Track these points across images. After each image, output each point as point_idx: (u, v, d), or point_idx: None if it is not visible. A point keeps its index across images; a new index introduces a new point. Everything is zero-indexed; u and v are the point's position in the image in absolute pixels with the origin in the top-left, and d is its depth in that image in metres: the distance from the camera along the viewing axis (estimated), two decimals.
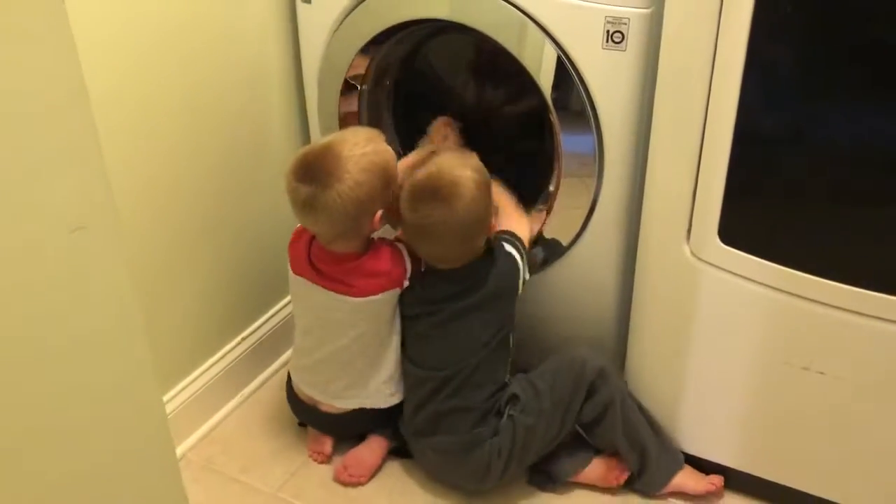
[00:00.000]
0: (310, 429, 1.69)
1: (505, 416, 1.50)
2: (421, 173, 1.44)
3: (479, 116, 1.79)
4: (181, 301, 1.64)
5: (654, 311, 1.51)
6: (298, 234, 1.54)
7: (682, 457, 1.56)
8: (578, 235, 1.57)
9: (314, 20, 1.63)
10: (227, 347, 1.77)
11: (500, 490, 1.57)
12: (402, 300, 1.52)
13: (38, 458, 0.89)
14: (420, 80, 1.76)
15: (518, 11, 1.42)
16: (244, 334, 1.81)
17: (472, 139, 1.78)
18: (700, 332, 1.46)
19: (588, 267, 1.59)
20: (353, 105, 1.69)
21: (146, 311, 0.98)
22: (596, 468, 1.56)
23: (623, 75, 1.40)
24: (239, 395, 1.81)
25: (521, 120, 1.75)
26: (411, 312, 1.52)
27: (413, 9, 1.52)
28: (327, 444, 1.67)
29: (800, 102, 1.27)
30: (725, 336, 1.44)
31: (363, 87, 1.67)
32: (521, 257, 1.50)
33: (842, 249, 1.30)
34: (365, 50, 1.60)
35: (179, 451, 1.66)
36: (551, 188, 1.58)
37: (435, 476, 1.61)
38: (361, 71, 1.65)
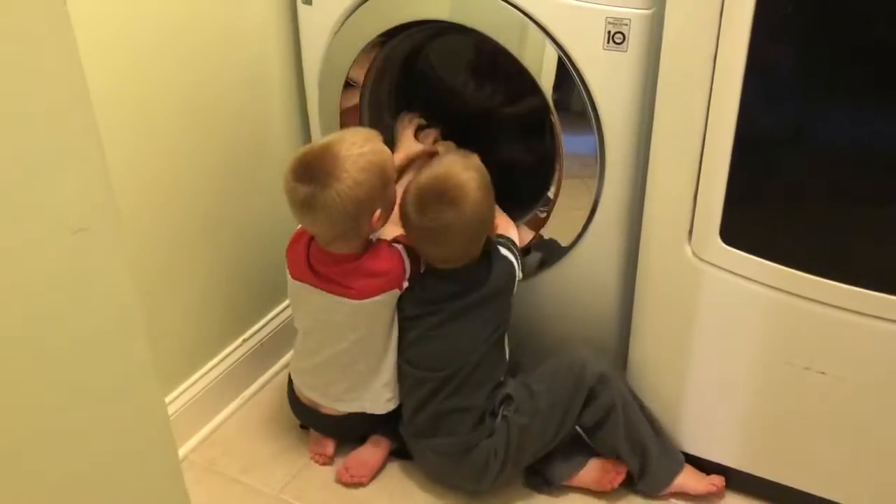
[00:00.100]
0: (311, 431, 1.69)
1: (499, 416, 1.50)
2: (425, 176, 1.46)
3: (479, 117, 1.79)
4: (182, 302, 1.64)
5: (656, 311, 1.51)
6: (296, 237, 1.54)
7: (682, 457, 1.56)
8: (580, 236, 1.57)
9: (315, 21, 1.63)
10: (229, 349, 1.77)
11: (501, 492, 1.57)
12: (402, 302, 1.52)
13: (39, 460, 0.89)
14: (421, 81, 1.76)
15: (519, 12, 1.42)
16: (245, 336, 1.81)
17: (472, 140, 1.78)
18: (702, 332, 1.46)
19: (590, 267, 1.59)
20: (353, 106, 1.69)
21: (147, 313, 0.98)
22: (591, 472, 1.56)
23: (624, 76, 1.40)
24: (240, 397, 1.81)
25: (521, 121, 1.75)
26: (411, 314, 1.52)
27: (414, 10, 1.52)
28: (329, 446, 1.67)
29: (801, 103, 1.27)
30: (727, 336, 1.44)
31: (364, 88, 1.67)
32: (516, 259, 1.52)
33: (843, 249, 1.30)
34: (366, 51, 1.60)
35: (181, 452, 1.66)
36: (552, 189, 1.58)
37: (434, 477, 1.61)
38: (362, 72, 1.65)
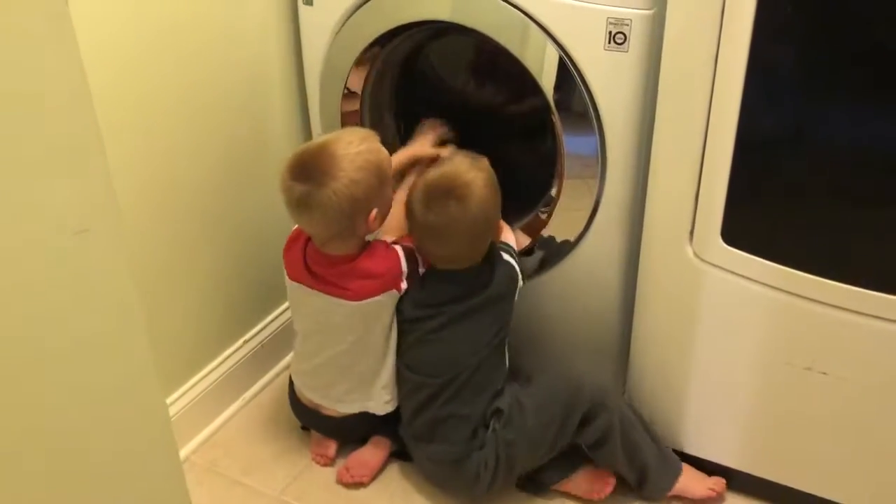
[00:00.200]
0: (313, 432, 1.69)
1: (490, 428, 1.50)
2: (433, 173, 1.47)
3: (480, 118, 1.79)
4: (183, 303, 1.64)
5: (658, 311, 1.51)
6: (293, 239, 1.54)
7: (680, 464, 1.54)
8: (581, 236, 1.57)
9: (316, 21, 1.63)
10: (230, 350, 1.77)
11: (497, 495, 1.56)
12: (401, 304, 1.51)
13: (40, 462, 0.89)
14: (421, 81, 1.76)
15: (520, 13, 1.42)
16: (246, 337, 1.81)
17: (473, 141, 1.78)
18: (703, 332, 1.46)
19: (591, 268, 1.59)
20: (354, 106, 1.69)
21: (148, 314, 0.98)
22: (581, 481, 1.56)
23: (625, 76, 1.40)
24: (241, 399, 1.81)
25: (522, 121, 1.75)
26: (410, 316, 1.51)
27: (415, 10, 1.52)
28: (331, 448, 1.67)
29: (801, 103, 1.27)
30: (728, 336, 1.44)
31: (365, 88, 1.67)
32: (517, 265, 1.52)
33: (844, 250, 1.30)
34: (366, 51, 1.60)
35: (182, 453, 1.66)
36: (554, 189, 1.58)
37: (432, 482, 1.61)
38: (363, 72, 1.65)
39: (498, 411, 1.49)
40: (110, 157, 0.87)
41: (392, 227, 1.57)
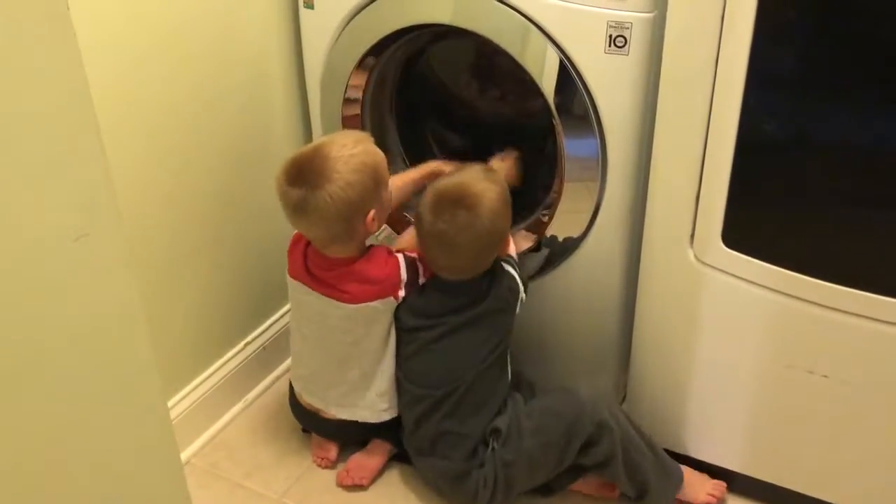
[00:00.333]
0: (314, 434, 1.69)
1: (490, 447, 1.49)
2: (445, 182, 1.46)
3: (480, 121, 1.79)
4: (184, 306, 1.64)
5: (659, 314, 1.51)
6: (297, 238, 1.54)
7: (681, 473, 1.53)
8: (582, 239, 1.57)
9: (316, 25, 1.63)
10: (231, 353, 1.77)
11: None
12: (400, 312, 1.51)
13: (42, 464, 0.89)
14: (422, 84, 1.76)
15: (520, 16, 1.42)
16: (247, 339, 1.81)
17: (474, 143, 1.78)
18: (704, 335, 1.46)
19: (591, 271, 1.59)
20: (355, 109, 1.69)
21: (149, 317, 0.98)
22: (591, 483, 1.56)
23: (626, 79, 1.40)
24: (242, 401, 1.81)
25: (523, 124, 1.75)
26: (409, 325, 1.51)
27: (416, 14, 1.52)
28: (332, 451, 1.67)
29: (802, 106, 1.27)
30: (729, 339, 1.44)
31: (365, 91, 1.67)
32: (521, 277, 1.51)
33: (845, 253, 1.31)
34: (367, 55, 1.61)
35: (184, 456, 1.66)
36: (554, 192, 1.58)
37: (433, 491, 1.61)
38: (364, 75, 1.65)
39: (497, 431, 1.49)
40: (110, 161, 0.87)
41: (405, 240, 1.57)
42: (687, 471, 1.55)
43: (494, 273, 1.48)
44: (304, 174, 1.41)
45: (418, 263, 1.51)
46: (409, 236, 1.57)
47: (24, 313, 0.83)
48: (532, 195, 1.64)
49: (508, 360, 1.54)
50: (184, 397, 1.67)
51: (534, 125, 1.70)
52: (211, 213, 1.64)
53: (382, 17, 1.55)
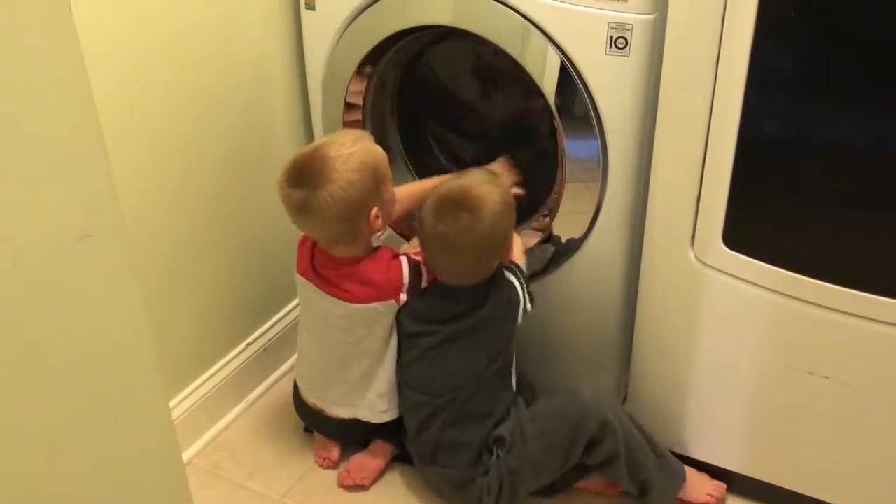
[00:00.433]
0: (316, 434, 1.70)
1: (494, 455, 1.49)
2: (448, 185, 1.45)
3: (481, 122, 1.79)
4: (186, 306, 1.64)
5: (659, 315, 1.51)
6: (306, 236, 1.55)
7: (683, 472, 1.54)
8: (583, 240, 1.57)
9: (318, 26, 1.64)
10: (233, 353, 1.78)
11: None
12: (401, 316, 1.51)
13: (44, 464, 0.90)
14: (423, 86, 1.76)
15: (521, 17, 1.43)
16: (249, 339, 1.81)
17: (474, 144, 1.79)
18: (705, 336, 1.46)
19: (592, 272, 1.59)
20: (356, 111, 1.69)
21: (152, 317, 0.98)
22: (595, 481, 1.56)
23: (626, 80, 1.40)
24: (244, 401, 1.81)
25: (524, 125, 1.75)
26: (410, 331, 1.51)
27: (417, 15, 1.52)
28: (335, 451, 1.67)
29: (803, 107, 1.28)
30: (730, 340, 1.44)
31: (366, 96, 1.68)
32: (523, 288, 1.49)
33: (846, 253, 1.31)
34: (369, 56, 1.61)
35: (186, 456, 1.67)
36: (555, 193, 1.58)
37: (437, 493, 1.61)
38: (365, 77, 1.65)
39: (500, 439, 1.48)
40: (113, 162, 0.88)
41: (414, 245, 1.57)
42: (688, 471, 1.55)
43: (494, 281, 1.47)
44: (304, 175, 1.41)
45: (422, 267, 1.51)
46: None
47: (26, 313, 0.83)
48: (532, 196, 1.64)
49: (513, 371, 1.53)
50: (186, 397, 1.67)
51: (534, 126, 1.70)
52: (213, 214, 1.64)
53: (383, 19, 1.56)
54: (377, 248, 1.52)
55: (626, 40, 1.36)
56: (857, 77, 1.22)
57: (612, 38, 1.37)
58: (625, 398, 1.65)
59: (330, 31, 1.62)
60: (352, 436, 1.66)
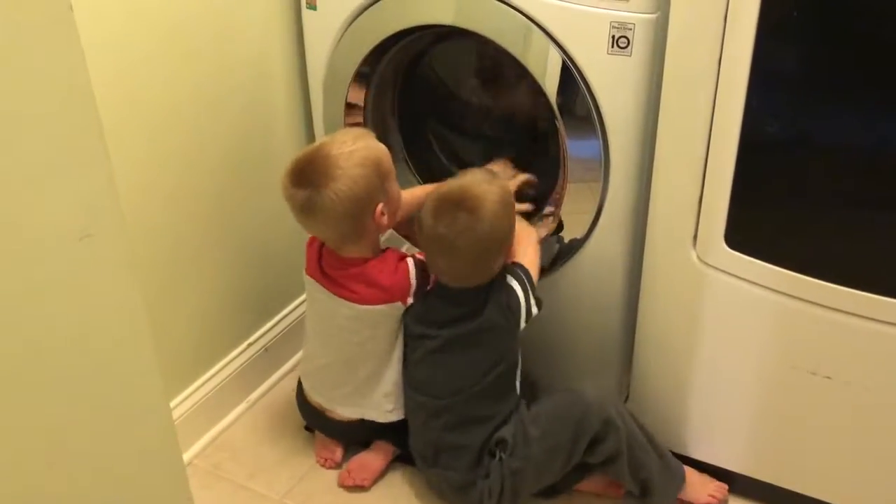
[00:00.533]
0: (318, 434, 1.69)
1: (496, 457, 1.48)
2: (447, 186, 1.44)
3: (482, 121, 1.79)
4: (187, 306, 1.64)
5: (661, 315, 1.51)
6: (314, 238, 1.54)
7: (683, 473, 1.53)
8: (584, 240, 1.56)
9: (319, 26, 1.64)
10: (234, 353, 1.77)
11: None
12: (406, 317, 1.50)
13: (44, 464, 0.89)
14: (424, 86, 1.76)
15: (523, 17, 1.42)
16: (250, 340, 1.81)
17: (475, 143, 1.78)
18: (707, 336, 1.45)
19: (594, 272, 1.59)
20: (358, 111, 1.69)
21: (152, 317, 0.98)
22: (596, 482, 1.56)
23: (629, 80, 1.40)
24: (245, 401, 1.81)
25: (525, 125, 1.75)
26: (413, 332, 1.51)
27: (418, 15, 1.52)
28: (338, 452, 1.67)
29: (805, 107, 1.27)
30: (732, 340, 1.44)
31: (367, 93, 1.67)
32: (526, 293, 1.46)
33: (849, 253, 1.30)
34: (370, 56, 1.61)
35: (186, 457, 1.66)
36: (557, 193, 1.58)
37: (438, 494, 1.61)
38: (365, 77, 1.65)
39: (502, 441, 1.48)
40: (113, 162, 0.87)
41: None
42: (689, 471, 1.55)
43: (494, 285, 1.45)
44: (307, 175, 1.41)
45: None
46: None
47: (27, 313, 0.83)
48: (530, 196, 1.64)
49: (518, 374, 1.52)
50: (186, 398, 1.67)
51: (536, 126, 1.70)
52: (213, 213, 1.64)
53: (385, 18, 1.55)
54: (385, 250, 1.52)
55: (627, 40, 1.36)
56: (860, 77, 1.21)
57: (613, 37, 1.36)
58: (626, 398, 1.65)
59: (331, 30, 1.62)
60: (353, 436, 1.66)
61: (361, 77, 1.64)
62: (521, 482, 1.48)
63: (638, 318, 1.56)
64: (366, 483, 1.62)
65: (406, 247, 1.64)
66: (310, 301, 1.59)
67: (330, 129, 1.71)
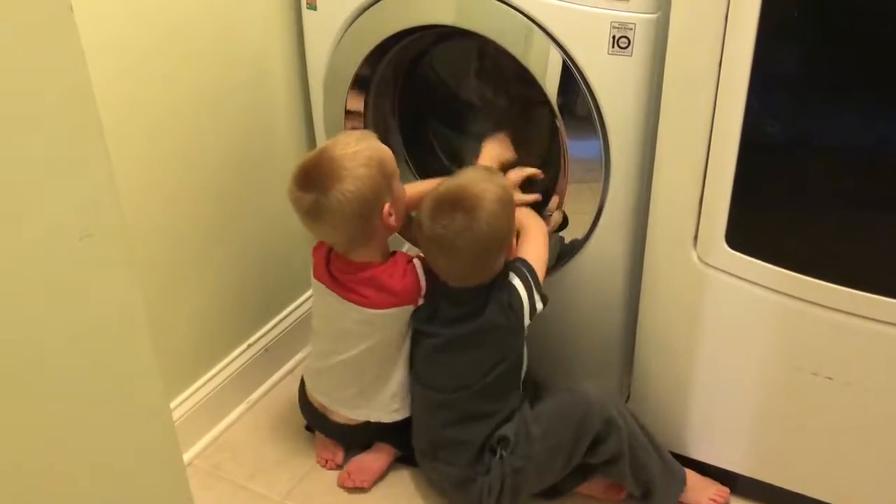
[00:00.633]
0: (318, 435, 1.69)
1: (497, 455, 1.48)
2: (445, 185, 1.44)
3: (483, 122, 1.79)
4: (187, 308, 1.64)
5: (662, 316, 1.51)
6: (321, 242, 1.54)
7: (684, 475, 1.53)
8: (585, 240, 1.56)
9: (320, 26, 1.64)
10: (235, 353, 1.77)
11: None
12: (412, 313, 1.51)
13: (43, 465, 0.89)
14: (424, 86, 1.76)
15: (524, 17, 1.42)
16: (251, 340, 1.81)
17: (476, 144, 1.78)
18: (707, 336, 1.45)
19: (595, 272, 1.59)
20: (358, 111, 1.69)
21: (153, 317, 0.98)
22: (597, 485, 1.56)
23: (629, 80, 1.40)
24: (246, 402, 1.81)
25: (526, 125, 1.75)
26: (418, 328, 1.51)
27: (419, 15, 1.52)
28: (339, 454, 1.67)
29: (806, 107, 1.27)
30: (733, 341, 1.44)
31: (369, 93, 1.67)
32: (530, 290, 1.45)
33: (849, 254, 1.30)
34: (371, 56, 1.61)
35: (187, 457, 1.66)
36: (557, 193, 1.58)
37: (438, 491, 1.61)
38: (367, 77, 1.65)
39: (504, 439, 1.48)
40: (113, 161, 0.87)
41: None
42: (691, 474, 1.54)
43: (495, 285, 1.44)
44: (312, 177, 1.41)
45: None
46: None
47: (26, 313, 0.83)
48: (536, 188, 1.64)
49: (523, 371, 1.52)
50: (187, 398, 1.67)
51: (536, 126, 1.70)
52: (214, 213, 1.64)
53: (385, 19, 1.55)
54: (393, 253, 1.52)
55: (628, 40, 1.36)
56: (860, 77, 1.21)
57: (614, 37, 1.36)
58: (627, 398, 1.65)
59: (331, 30, 1.62)
60: (353, 439, 1.66)
61: (362, 78, 1.64)
62: (522, 481, 1.47)
63: (639, 319, 1.56)
64: (365, 485, 1.61)
65: (406, 247, 1.64)
66: (317, 304, 1.59)
67: (330, 128, 1.71)
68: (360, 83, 1.65)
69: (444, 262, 1.44)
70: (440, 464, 1.53)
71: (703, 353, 1.47)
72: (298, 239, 1.77)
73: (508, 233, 1.45)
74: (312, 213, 1.42)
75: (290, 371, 1.88)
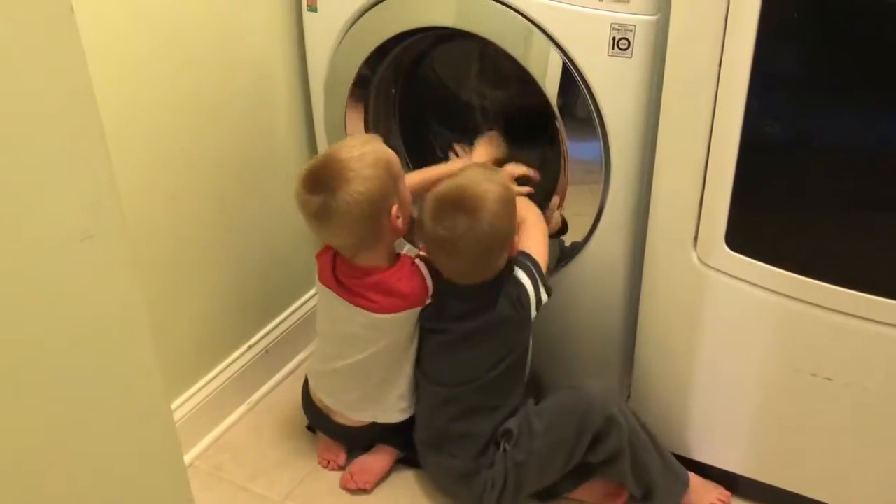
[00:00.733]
0: (321, 436, 1.69)
1: (501, 448, 1.49)
2: (445, 185, 1.44)
3: (483, 123, 1.79)
4: (187, 309, 1.64)
5: (662, 317, 1.51)
6: (326, 247, 1.54)
7: (686, 477, 1.53)
8: (585, 242, 1.56)
9: (320, 28, 1.64)
10: (236, 354, 1.78)
11: None
12: (420, 313, 1.51)
13: (44, 465, 0.90)
14: (425, 88, 1.76)
15: (524, 19, 1.43)
16: (252, 341, 1.81)
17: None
18: (708, 338, 1.45)
19: (595, 274, 1.59)
20: (359, 113, 1.69)
21: (154, 318, 0.98)
22: (595, 489, 1.55)
23: (629, 82, 1.40)
24: (247, 403, 1.81)
25: (526, 127, 1.75)
26: (425, 326, 1.51)
27: (419, 17, 1.53)
28: (341, 455, 1.67)
29: (806, 108, 1.27)
30: (733, 342, 1.44)
31: (369, 94, 1.68)
32: (535, 284, 1.46)
33: (849, 255, 1.30)
34: (371, 58, 1.61)
35: (188, 458, 1.66)
36: (557, 195, 1.58)
37: (439, 489, 1.61)
38: (367, 79, 1.65)
39: (508, 432, 1.48)
40: (115, 163, 0.88)
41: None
42: (693, 477, 1.54)
43: (502, 280, 1.45)
44: (320, 180, 1.41)
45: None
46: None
47: (28, 314, 0.83)
48: (535, 198, 1.64)
49: (528, 364, 1.52)
50: (188, 399, 1.67)
51: (536, 128, 1.70)
52: (215, 215, 1.64)
53: (386, 20, 1.56)
54: (398, 256, 1.52)
55: (628, 41, 1.36)
56: (860, 78, 1.21)
57: (614, 39, 1.36)
58: (628, 399, 1.65)
59: (332, 32, 1.62)
60: (357, 441, 1.66)
61: (362, 79, 1.64)
62: (525, 476, 1.48)
63: (639, 320, 1.56)
64: (367, 486, 1.61)
65: (407, 248, 1.64)
66: (323, 308, 1.58)
67: (331, 130, 1.72)
68: (360, 85, 1.65)
69: (447, 261, 1.45)
70: (444, 457, 1.52)
71: (704, 354, 1.47)
72: (299, 240, 1.78)
73: (511, 232, 1.45)
74: (320, 216, 1.42)
75: (291, 372, 1.88)
